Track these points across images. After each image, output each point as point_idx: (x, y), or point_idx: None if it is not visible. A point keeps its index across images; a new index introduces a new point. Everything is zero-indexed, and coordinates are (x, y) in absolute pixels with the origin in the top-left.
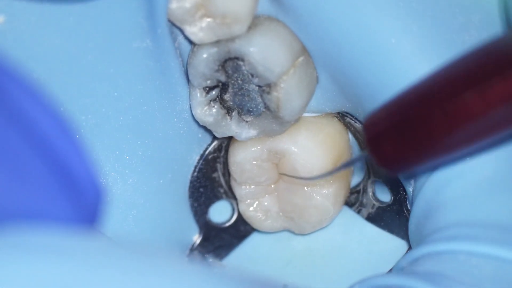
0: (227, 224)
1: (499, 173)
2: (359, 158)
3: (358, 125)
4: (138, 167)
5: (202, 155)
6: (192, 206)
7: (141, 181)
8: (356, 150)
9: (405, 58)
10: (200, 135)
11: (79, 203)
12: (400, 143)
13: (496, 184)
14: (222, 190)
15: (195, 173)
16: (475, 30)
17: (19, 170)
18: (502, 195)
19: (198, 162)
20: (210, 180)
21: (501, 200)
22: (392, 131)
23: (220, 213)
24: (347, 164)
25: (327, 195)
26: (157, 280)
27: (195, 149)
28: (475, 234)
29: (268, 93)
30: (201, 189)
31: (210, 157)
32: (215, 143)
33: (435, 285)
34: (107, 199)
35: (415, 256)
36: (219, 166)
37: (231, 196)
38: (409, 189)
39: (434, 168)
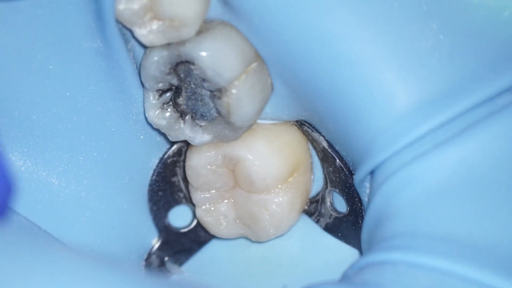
0: (187, 229)
1: (451, 181)
2: None
3: (314, 134)
4: (93, 168)
5: (161, 159)
6: (151, 209)
7: (97, 183)
8: (316, 160)
9: (358, 65)
10: (158, 139)
11: None
12: None
13: (446, 192)
14: (182, 195)
15: (154, 177)
16: (433, 36)
17: None
18: (451, 204)
19: (157, 166)
20: (169, 184)
21: (450, 210)
22: None
23: (180, 217)
24: None
25: (281, 203)
26: None
27: (154, 152)
28: (417, 244)
29: (219, 98)
30: (160, 193)
31: (169, 161)
32: (174, 147)
33: None
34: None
35: (360, 265)
36: (179, 171)
37: (191, 201)
38: (365, 199)
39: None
